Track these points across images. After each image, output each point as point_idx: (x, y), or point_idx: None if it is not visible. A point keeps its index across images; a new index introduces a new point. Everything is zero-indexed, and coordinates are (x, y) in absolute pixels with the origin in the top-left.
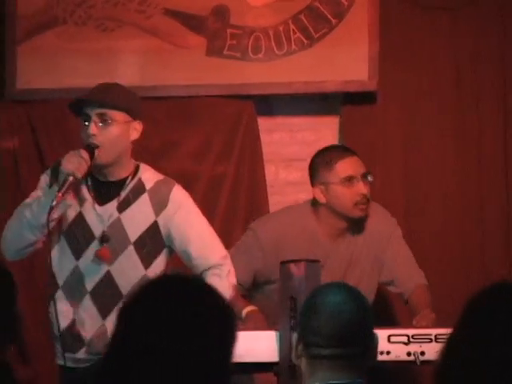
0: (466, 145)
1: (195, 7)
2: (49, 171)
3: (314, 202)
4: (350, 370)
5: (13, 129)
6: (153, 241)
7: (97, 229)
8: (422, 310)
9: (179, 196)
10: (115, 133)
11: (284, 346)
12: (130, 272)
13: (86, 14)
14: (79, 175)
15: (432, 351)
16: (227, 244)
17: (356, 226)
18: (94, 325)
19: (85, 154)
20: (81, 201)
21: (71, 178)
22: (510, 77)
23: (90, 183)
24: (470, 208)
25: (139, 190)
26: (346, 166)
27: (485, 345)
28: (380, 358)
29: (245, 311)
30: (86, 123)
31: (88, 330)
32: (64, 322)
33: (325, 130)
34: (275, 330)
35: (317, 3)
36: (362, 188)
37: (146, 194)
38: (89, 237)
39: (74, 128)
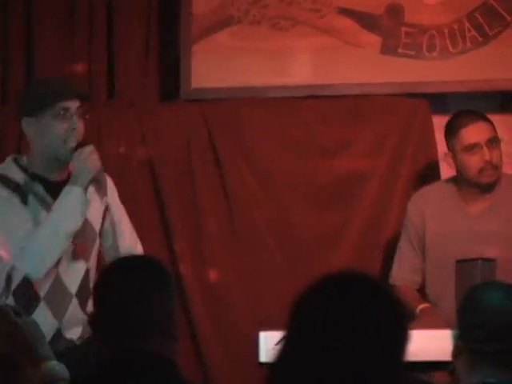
0: None
1: (369, 5)
2: None
3: (455, 178)
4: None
5: (187, 128)
6: None
7: None
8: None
9: (112, 184)
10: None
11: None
12: None
13: (260, 14)
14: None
15: None
16: None
17: (490, 192)
18: (80, 326)
19: (94, 151)
20: (43, 202)
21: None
22: None
23: (40, 184)
24: None
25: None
26: (469, 133)
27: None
28: None
29: (419, 308)
30: (63, 113)
31: (76, 333)
32: (48, 336)
33: (500, 128)
34: (451, 328)
35: (491, 0)
36: (486, 154)
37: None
38: None
39: (248, 127)
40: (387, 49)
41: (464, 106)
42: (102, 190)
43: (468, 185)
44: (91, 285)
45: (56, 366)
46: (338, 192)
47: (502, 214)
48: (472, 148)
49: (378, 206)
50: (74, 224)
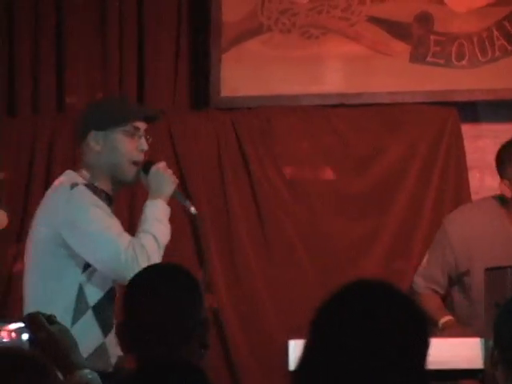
0: None
1: (399, 14)
2: (84, 189)
3: (502, 197)
4: None
5: (218, 137)
6: None
7: None
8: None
9: None
10: None
11: (488, 352)
12: None
13: (290, 22)
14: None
15: None
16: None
17: None
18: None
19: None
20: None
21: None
22: None
23: (104, 197)
24: None
25: None
26: None
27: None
28: None
29: (442, 321)
30: (133, 134)
31: (114, 356)
32: (91, 348)
33: None
34: (479, 336)
35: None
36: None
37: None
38: None
39: (278, 136)
40: (416, 57)
41: (493, 115)
42: None
43: None
44: None
45: (89, 375)
46: (369, 201)
47: None
48: None
49: (410, 213)
50: (168, 236)
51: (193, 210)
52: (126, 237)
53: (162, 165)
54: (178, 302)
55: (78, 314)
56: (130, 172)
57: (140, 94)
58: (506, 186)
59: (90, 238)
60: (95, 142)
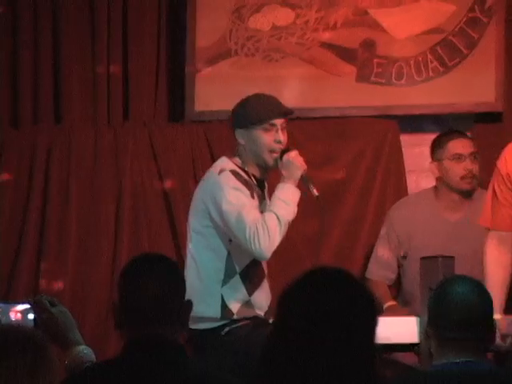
0: None
1: (346, 41)
2: (230, 175)
3: (436, 188)
4: (475, 350)
5: (192, 145)
6: None
7: None
8: None
9: None
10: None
11: (423, 329)
12: None
13: (254, 47)
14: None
15: None
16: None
17: (469, 199)
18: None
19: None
20: (258, 196)
21: (304, 173)
22: None
23: (255, 181)
24: None
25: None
26: (456, 145)
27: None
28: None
29: (386, 305)
30: (269, 129)
31: (263, 308)
32: (238, 303)
33: None
34: (416, 315)
35: (451, 37)
36: (468, 164)
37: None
38: None
39: None
40: (362, 77)
41: (428, 126)
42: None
43: (449, 191)
44: None
45: (84, 350)
46: (323, 201)
47: (474, 224)
48: (458, 158)
49: (357, 210)
50: (292, 214)
51: (315, 192)
52: (254, 216)
53: (293, 154)
54: (163, 288)
55: (226, 277)
56: (269, 160)
57: (125, 107)
58: (435, 167)
59: (226, 216)
60: (241, 137)
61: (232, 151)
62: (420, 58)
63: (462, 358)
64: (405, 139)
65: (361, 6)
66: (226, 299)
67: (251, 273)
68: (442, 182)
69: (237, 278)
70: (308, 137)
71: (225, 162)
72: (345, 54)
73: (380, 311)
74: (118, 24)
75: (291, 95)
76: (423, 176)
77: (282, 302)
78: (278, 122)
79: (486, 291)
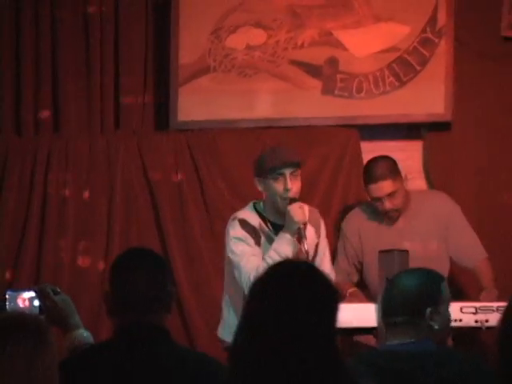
0: None
1: (313, 58)
2: (237, 224)
3: None
4: (417, 332)
5: (176, 151)
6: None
7: None
8: (487, 287)
9: (323, 225)
10: (300, 184)
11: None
12: None
13: (230, 64)
14: (305, 222)
15: (494, 319)
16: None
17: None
18: None
19: (302, 206)
20: (270, 240)
21: (302, 226)
22: None
23: (269, 226)
24: None
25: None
26: (373, 190)
27: None
28: (454, 324)
29: (349, 291)
30: (278, 178)
31: None
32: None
33: (412, 152)
34: (375, 302)
35: (405, 55)
36: (386, 205)
37: (308, 224)
38: None
39: (222, 151)
40: (327, 91)
41: (385, 135)
42: (317, 231)
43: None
44: None
45: (84, 333)
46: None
47: (416, 227)
48: (378, 200)
49: (322, 209)
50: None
51: (305, 247)
52: (251, 264)
53: (295, 206)
54: (150, 280)
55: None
56: (282, 205)
57: (116, 117)
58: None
59: (230, 262)
60: (259, 185)
61: (212, 156)
62: (378, 74)
63: (407, 340)
64: (364, 146)
65: (325, 27)
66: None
67: None
68: None
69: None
70: (278, 144)
71: (243, 210)
72: (311, 70)
73: (342, 299)
74: (111, 45)
75: (263, 107)
76: None
77: (252, 292)
78: (286, 171)
79: (429, 283)
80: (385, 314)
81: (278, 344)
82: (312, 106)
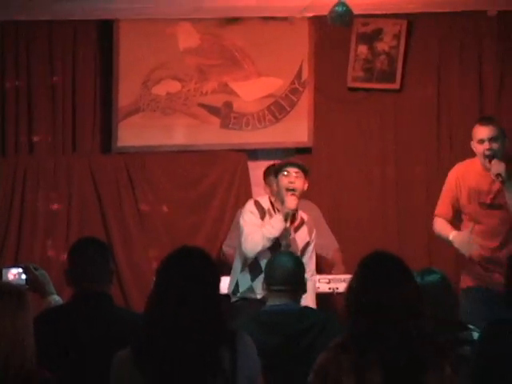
0: (387, 193)
1: (214, 101)
2: (252, 203)
3: None
4: (290, 297)
5: (116, 170)
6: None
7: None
8: (337, 265)
9: (315, 231)
10: (302, 183)
11: None
12: None
13: (155, 105)
14: (294, 211)
15: (342, 287)
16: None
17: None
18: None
19: (295, 199)
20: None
21: (296, 214)
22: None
23: (277, 212)
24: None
25: (302, 221)
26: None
27: (365, 286)
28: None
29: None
30: (285, 174)
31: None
32: (244, 287)
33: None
34: None
35: (280, 100)
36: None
37: (305, 224)
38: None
39: (151, 170)
40: (223, 125)
41: (265, 156)
42: (309, 232)
43: None
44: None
45: (56, 298)
46: (196, 207)
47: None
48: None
49: (218, 214)
50: (272, 234)
51: (287, 224)
52: (251, 230)
53: (289, 195)
54: (97, 258)
55: (244, 267)
56: (285, 197)
57: (73, 141)
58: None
59: (241, 226)
60: (271, 182)
61: (142, 172)
62: (260, 113)
63: (282, 302)
64: (251, 165)
65: (223, 80)
66: (239, 282)
67: (254, 266)
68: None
69: (246, 269)
70: (191, 167)
71: (261, 197)
72: (213, 110)
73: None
74: (69, 91)
75: (179, 136)
76: (261, 187)
77: (160, 268)
78: (291, 169)
79: (300, 262)
80: (268, 283)
81: (178, 303)
82: (213, 136)
